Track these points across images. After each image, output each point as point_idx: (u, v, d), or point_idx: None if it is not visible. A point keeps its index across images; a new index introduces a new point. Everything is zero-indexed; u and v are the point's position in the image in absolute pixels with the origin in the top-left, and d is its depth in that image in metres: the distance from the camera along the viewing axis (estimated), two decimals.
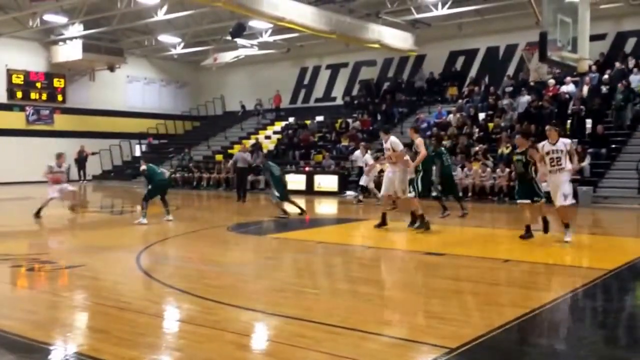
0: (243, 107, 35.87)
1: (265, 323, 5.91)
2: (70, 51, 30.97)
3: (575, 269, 8.45)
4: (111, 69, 33.07)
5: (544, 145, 10.10)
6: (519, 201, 10.68)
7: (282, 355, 4.85)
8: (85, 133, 32.45)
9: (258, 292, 7.21)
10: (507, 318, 5.75)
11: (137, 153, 35.82)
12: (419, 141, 11.78)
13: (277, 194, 14.87)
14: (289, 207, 15.08)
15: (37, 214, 14.65)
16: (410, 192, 11.74)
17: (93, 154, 32.23)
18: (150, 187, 14.07)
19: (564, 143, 9.97)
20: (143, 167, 14.34)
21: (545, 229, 10.56)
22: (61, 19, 28.70)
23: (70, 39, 30.66)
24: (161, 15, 26.61)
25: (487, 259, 8.92)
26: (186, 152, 31.44)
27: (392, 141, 12.03)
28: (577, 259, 9.57)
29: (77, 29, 29.60)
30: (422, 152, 11.60)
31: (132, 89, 36.56)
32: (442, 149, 15.13)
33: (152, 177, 13.99)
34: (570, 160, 10.00)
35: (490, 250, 9.90)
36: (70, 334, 5.51)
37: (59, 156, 15.42)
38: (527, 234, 10.36)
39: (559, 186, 9.87)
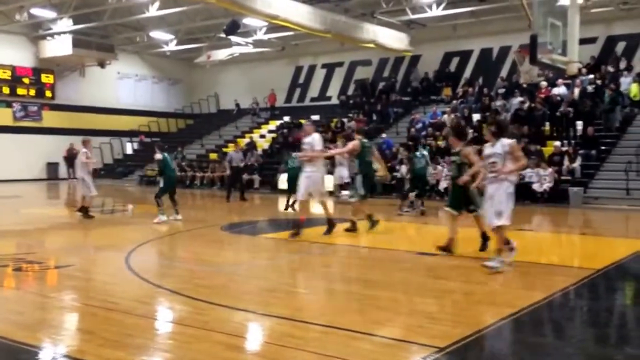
0: (237, 105, 35.76)
1: (256, 323, 5.91)
2: (59, 46, 30.66)
3: (565, 268, 8.50)
4: (102, 65, 32.68)
5: (485, 148, 8.35)
6: (445, 208, 9.40)
7: (272, 356, 4.85)
8: (75, 130, 32.00)
9: (249, 292, 7.18)
10: (497, 317, 5.80)
11: (129, 151, 35.74)
12: (352, 143, 11.93)
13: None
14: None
15: (86, 214, 14.37)
16: (353, 197, 11.87)
17: None
18: (162, 181, 13.92)
19: (503, 144, 7.94)
20: (158, 155, 13.85)
21: (483, 247, 9.31)
22: (49, 14, 28.38)
23: (59, 33, 30.37)
24: (153, 12, 26.56)
25: (478, 259, 8.85)
26: (179, 150, 31.34)
27: (315, 138, 11.21)
28: (568, 259, 9.66)
29: (66, 24, 29.32)
30: (344, 150, 12.20)
31: (123, 85, 36.32)
32: (417, 153, 15.88)
33: (165, 168, 13.82)
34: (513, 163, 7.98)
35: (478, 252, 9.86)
36: (55, 335, 5.45)
37: (86, 142, 14.73)
38: (446, 249, 9.13)
39: (493, 199, 7.92)
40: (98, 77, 34.12)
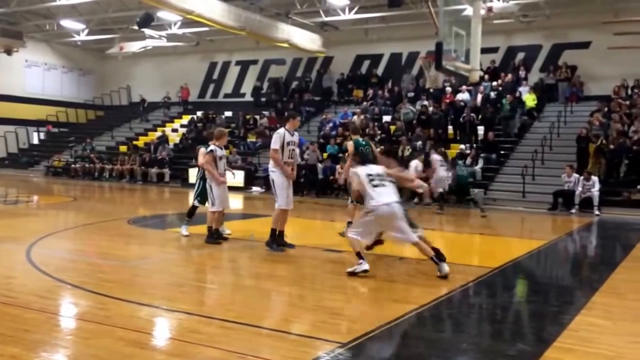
0: (144, 100, 34.85)
1: (160, 319, 5.84)
2: None
3: (465, 267, 8.76)
4: (8, 52, 31.29)
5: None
6: None
7: (174, 352, 4.80)
8: None
9: (155, 287, 7.10)
10: (399, 313, 5.95)
11: (35, 141, 34.56)
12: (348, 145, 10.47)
13: None
14: None
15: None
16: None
17: None
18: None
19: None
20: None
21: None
22: None
23: None
24: (64, 0, 25.65)
25: (384, 257, 9.10)
26: (88, 142, 30.62)
27: None
28: (467, 258, 10.07)
29: None
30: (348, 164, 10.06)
31: (31, 74, 34.99)
32: None
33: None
34: None
35: (387, 248, 10.06)
36: None
37: (221, 134, 10.19)
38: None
39: None
40: (4, 64, 32.61)
